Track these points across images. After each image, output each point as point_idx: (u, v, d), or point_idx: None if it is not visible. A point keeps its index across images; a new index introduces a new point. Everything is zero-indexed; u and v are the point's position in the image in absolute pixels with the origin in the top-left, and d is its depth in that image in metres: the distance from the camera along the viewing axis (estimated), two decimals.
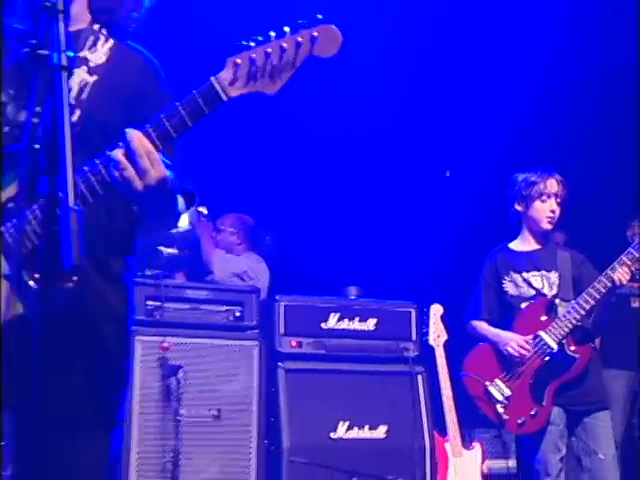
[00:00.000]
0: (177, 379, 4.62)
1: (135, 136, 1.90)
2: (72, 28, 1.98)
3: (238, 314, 5.06)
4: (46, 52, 1.73)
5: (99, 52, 2.19)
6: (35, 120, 1.75)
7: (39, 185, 1.70)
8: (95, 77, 2.12)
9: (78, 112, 2.03)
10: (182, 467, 4.56)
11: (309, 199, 7.26)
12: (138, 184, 1.90)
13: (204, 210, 5.94)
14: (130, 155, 1.90)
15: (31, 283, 1.89)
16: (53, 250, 1.69)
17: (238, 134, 6.67)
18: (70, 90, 2.02)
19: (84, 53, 2.16)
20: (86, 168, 1.93)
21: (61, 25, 1.75)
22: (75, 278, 1.84)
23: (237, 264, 6.22)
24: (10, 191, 2.00)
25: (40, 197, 1.83)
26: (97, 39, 2.21)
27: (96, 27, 2.23)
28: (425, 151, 7.48)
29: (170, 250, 5.52)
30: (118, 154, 1.90)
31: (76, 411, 2.06)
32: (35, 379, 1.65)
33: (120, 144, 1.92)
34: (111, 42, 2.23)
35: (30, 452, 1.69)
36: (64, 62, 1.71)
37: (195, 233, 5.97)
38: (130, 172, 1.89)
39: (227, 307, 5.08)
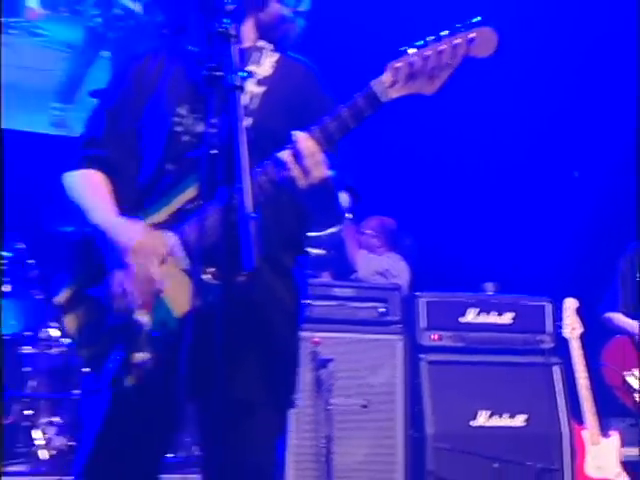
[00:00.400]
0: (328, 371, 4.72)
1: (301, 138, 1.96)
2: (242, 46, 2.05)
3: (382, 310, 5.15)
4: (221, 74, 1.81)
5: (265, 65, 2.27)
6: (212, 130, 1.83)
7: (217, 194, 1.78)
8: (263, 88, 2.20)
9: (249, 120, 2.09)
10: (334, 452, 4.65)
11: (447, 200, 7.28)
12: (303, 183, 1.95)
13: (349, 215, 6.04)
14: (296, 155, 1.95)
15: (208, 278, 1.97)
16: (229, 250, 1.76)
17: (378, 139, 6.71)
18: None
19: (252, 67, 2.23)
20: (258, 169, 1.99)
21: (234, 48, 1.82)
22: (247, 273, 1.91)
23: (379, 263, 6.32)
24: (190, 193, 2.09)
25: (218, 204, 1.91)
26: (262, 54, 2.28)
27: (261, 44, 2.30)
28: (557, 150, 7.38)
29: (317, 251, 5.64)
30: (285, 155, 1.96)
31: (254, 393, 2.13)
32: (220, 364, 1.71)
33: (288, 146, 1.97)
34: (275, 56, 2.31)
35: (216, 430, 1.75)
36: (237, 82, 1.78)
37: (340, 235, 6.07)
38: (296, 171, 1.95)
39: (372, 304, 5.19)
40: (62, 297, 2.17)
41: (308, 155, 1.95)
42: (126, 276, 2.03)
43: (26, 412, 4.90)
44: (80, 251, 2.21)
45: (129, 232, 2.06)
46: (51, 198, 5.48)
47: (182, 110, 2.19)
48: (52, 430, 5.11)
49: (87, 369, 2.15)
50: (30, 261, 5.44)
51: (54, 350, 5.42)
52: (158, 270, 2.02)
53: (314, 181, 1.96)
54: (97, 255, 2.12)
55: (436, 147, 7.14)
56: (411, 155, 7.16)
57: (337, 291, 5.19)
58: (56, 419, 5.19)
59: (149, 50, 2.37)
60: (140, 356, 2.01)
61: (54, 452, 4.96)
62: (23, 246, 5.49)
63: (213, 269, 1.95)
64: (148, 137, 2.22)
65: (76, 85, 6.14)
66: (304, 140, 1.96)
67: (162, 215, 2.12)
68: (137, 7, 6.91)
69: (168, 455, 2.28)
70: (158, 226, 2.10)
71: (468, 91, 6.09)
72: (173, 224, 2.09)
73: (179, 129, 2.18)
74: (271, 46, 2.32)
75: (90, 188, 2.22)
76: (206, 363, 1.78)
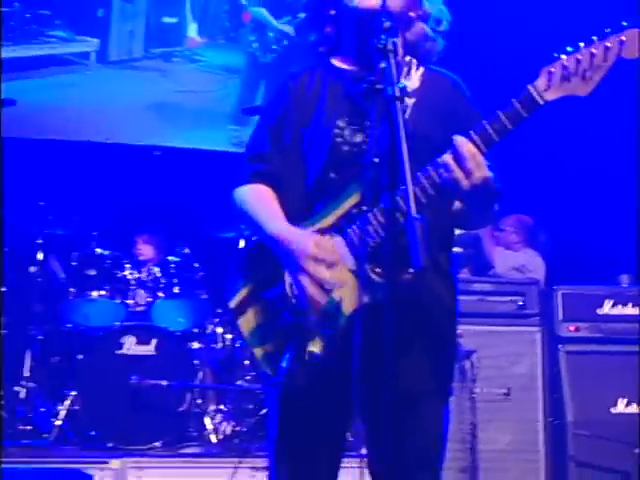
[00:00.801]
0: (471, 362, 4.70)
1: (462, 142, 1.98)
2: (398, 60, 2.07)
3: (521, 303, 5.10)
4: (381, 86, 1.84)
5: (413, 79, 2.28)
6: (369, 141, 1.86)
7: (382, 198, 1.81)
8: (413, 99, 2.21)
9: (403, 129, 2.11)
10: (479, 438, 4.62)
11: (581, 195, 7.11)
12: (465, 184, 1.97)
13: None
14: (458, 158, 1.97)
15: (374, 277, 2.01)
16: (394, 251, 1.78)
17: (513, 138, 6.63)
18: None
19: (402, 80, 2.25)
20: (419, 174, 2.02)
21: (392, 63, 1.85)
22: (412, 271, 1.93)
23: (516, 259, 6.26)
24: (354, 199, 2.12)
25: (383, 208, 1.94)
26: (410, 68, 2.30)
27: (407, 59, 2.31)
28: None
29: (456, 249, 5.61)
30: (447, 158, 1.98)
31: (421, 382, 2.15)
32: (388, 357, 1.73)
33: (448, 151, 1.99)
34: (421, 69, 2.32)
35: (386, 418, 1.77)
36: (397, 93, 1.80)
37: (477, 233, 6.05)
38: (458, 173, 1.96)
39: (510, 297, 5.13)
40: (236, 300, 2.24)
41: (469, 158, 1.96)
42: (300, 279, 2.09)
43: (198, 401, 5.05)
44: (252, 258, 2.27)
45: (302, 241, 2.11)
46: (211, 208, 5.68)
47: (341, 123, 2.23)
48: (219, 417, 5.27)
49: (263, 366, 2.19)
50: (195, 264, 5.62)
51: (219, 345, 5.60)
52: (328, 273, 2.07)
53: (477, 182, 1.97)
54: (269, 261, 2.18)
55: (570, 143, 6.99)
56: (546, 152, 7.04)
57: (477, 286, 5.17)
58: (222, 407, 5.36)
59: (305, 68, 2.41)
60: (312, 352, 2.06)
61: (222, 436, 5.11)
62: (188, 251, 5.68)
63: (379, 269, 1.99)
64: (311, 149, 2.26)
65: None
66: (465, 144, 1.97)
67: (329, 220, 2.16)
68: (289, 29, 7.07)
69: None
70: (325, 231, 2.14)
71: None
72: (339, 228, 2.13)
73: (339, 140, 2.21)
74: (416, 61, 2.34)
75: (261, 201, 2.27)
76: (375, 356, 1.81)
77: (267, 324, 2.17)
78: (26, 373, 5.39)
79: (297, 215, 2.21)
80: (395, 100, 1.79)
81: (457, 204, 2.19)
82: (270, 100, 2.43)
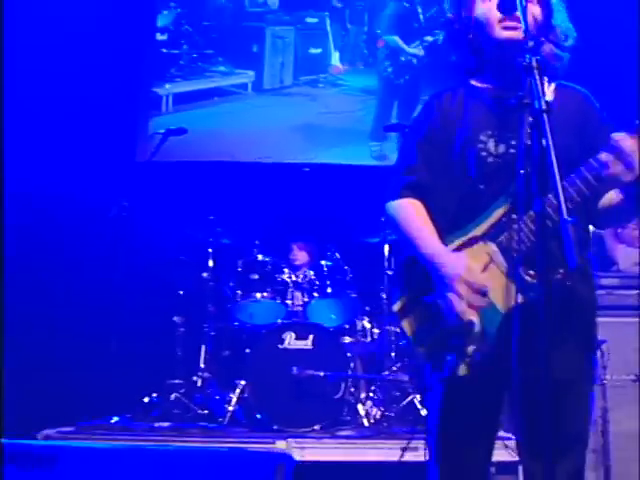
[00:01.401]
0: (601, 351, 4.54)
1: (622, 137, 1.92)
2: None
3: None
4: (528, 100, 1.79)
5: (547, 93, 2.22)
6: (518, 152, 1.82)
7: (532, 205, 1.77)
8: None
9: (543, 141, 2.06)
10: (610, 423, 4.45)
11: None
12: (628, 178, 1.90)
13: None
14: (620, 153, 1.90)
15: (527, 278, 1.96)
16: (545, 253, 1.74)
17: None
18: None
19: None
20: (572, 175, 1.96)
21: (537, 78, 1.80)
22: (562, 271, 1.88)
23: (637, 255, 6.00)
24: (504, 208, 2.09)
25: (534, 214, 1.89)
26: (543, 84, 2.24)
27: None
28: None
29: None
30: (604, 156, 1.93)
31: (571, 373, 2.10)
32: (543, 351, 1.69)
33: (601, 150, 1.94)
34: (553, 85, 2.26)
35: (541, 406, 1.73)
36: (544, 106, 1.75)
37: (599, 232, 5.83)
38: (618, 169, 1.90)
39: (636, 291, 4.93)
40: (398, 305, 2.24)
41: (631, 152, 1.89)
42: (450, 299, 2.07)
43: (351, 389, 5.06)
44: (409, 266, 2.26)
45: (456, 265, 2.08)
46: (358, 216, 5.71)
47: (483, 137, 2.19)
48: (370, 403, 5.27)
49: (427, 363, 2.19)
50: (345, 267, 5.64)
51: (367, 339, 5.61)
52: (476, 298, 2.04)
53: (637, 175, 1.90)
54: (424, 269, 2.17)
55: None
56: None
57: (604, 281, 4.99)
58: (372, 394, 5.36)
59: (448, 89, 2.38)
60: (472, 350, 2.03)
61: (373, 421, 5.11)
62: (338, 256, 5.71)
63: (532, 271, 1.96)
64: (458, 162, 2.23)
65: (385, 125, 6.37)
66: (625, 139, 1.91)
67: (481, 229, 2.13)
68: (418, 51, 7.04)
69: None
70: (479, 239, 2.12)
71: None
72: (492, 235, 2.10)
73: (484, 153, 2.18)
74: (545, 77, 2.28)
75: (414, 219, 2.23)
76: (531, 350, 1.78)
77: (428, 325, 2.15)
78: (202, 365, 5.56)
79: (448, 226, 2.19)
80: (543, 112, 1.75)
81: (608, 201, 2.11)
82: (417, 118, 2.41)
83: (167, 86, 7.07)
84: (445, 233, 2.17)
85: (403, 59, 7.09)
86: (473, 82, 2.33)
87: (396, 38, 7.13)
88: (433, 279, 2.13)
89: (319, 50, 7.20)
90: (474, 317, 2.05)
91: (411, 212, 2.25)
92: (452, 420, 2.20)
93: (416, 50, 7.06)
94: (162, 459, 1.84)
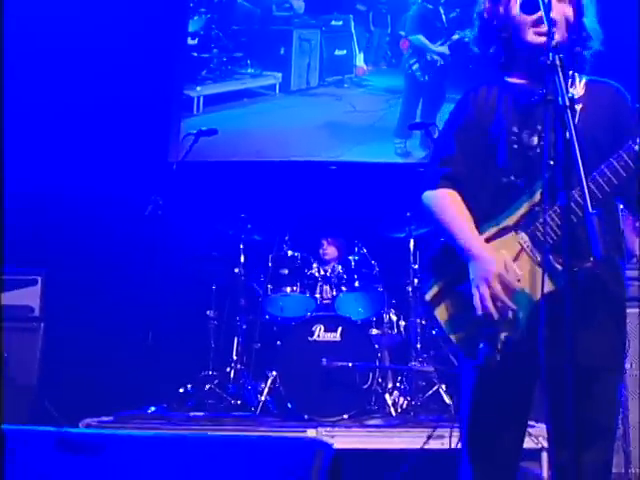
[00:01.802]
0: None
1: None
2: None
3: None
4: (552, 97, 1.80)
5: (578, 87, 2.22)
6: (544, 145, 1.82)
7: (558, 197, 1.77)
8: (580, 105, 2.15)
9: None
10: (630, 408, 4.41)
11: None
12: None
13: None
14: None
15: (558, 266, 1.96)
16: (572, 243, 1.74)
17: None
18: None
19: (569, 90, 2.19)
20: (602, 166, 1.96)
21: (561, 76, 1.80)
22: (591, 259, 1.88)
23: None
24: (535, 199, 2.09)
25: (560, 206, 1.89)
26: (574, 79, 2.24)
27: (570, 72, 2.25)
28: None
29: None
30: (637, 147, 1.92)
31: (601, 360, 2.09)
32: (569, 337, 1.69)
33: (629, 141, 1.94)
34: (584, 79, 2.26)
35: (569, 393, 1.73)
36: (567, 102, 1.75)
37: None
38: None
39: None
40: (431, 294, 2.24)
41: None
42: (482, 292, 2.07)
43: (378, 380, 5.07)
44: (442, 256, 2.26)
45: (489, 261, 2.08)
46: (383, 212, 5.71)
47: (516, 129, 2.20)
48: (396, 393, 5.28)
49: (459, 350, 2.18)
50: (372, 262, 5.65)
51: (394, 331, 5.61)
52: (508, 298, 2.04)
53: None
54: (458, 259, 2.17)
55: None
56: None
57: (629, 273, 4.95)
58: (399, 385, 5.37)
59: (484, 83, 2.38)
60: (505, 337, 2.03)
61: (400, 410, 5.12)
62: (365, 251, 5.72)
63: (562, 260, 1.95)
64: (491, 154, 2.24)
65: (409, 123, 6.36)
66: None
67: (513, 219, 2.13)
68: (444, 49, 7.02)
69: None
70: (511, 228, 2.12)
71: None
72: (524, 225, 2.10)
73: (515, 146, 2.18)
74: (575, 73, 2.28)
75: (452, 210, 2.23)
76: (558, 337, 1.78)
77: (461, 314, 2.15)
78: (234, 357, 5.61)
79: (481, 216, 2.19)
80: (566, 108, 1.75)
81: None
82: (454, 111, 2.40)
83: (198, 88, 7.13)
84: (478, 223, 2.17)
85: (428, 57, 7.08)
86: (507, 78, 2.33)
87: (420, 37, 7.12)
88: (468, 269, 2.13)
89: (344, 52, 7.21)
90: (509, 305, 2.05)
91: (448, 202, 2.25)
92: (484, 407, 2.19)
93: (441, 48, 7.04)
94: (202, 447, 1.86)
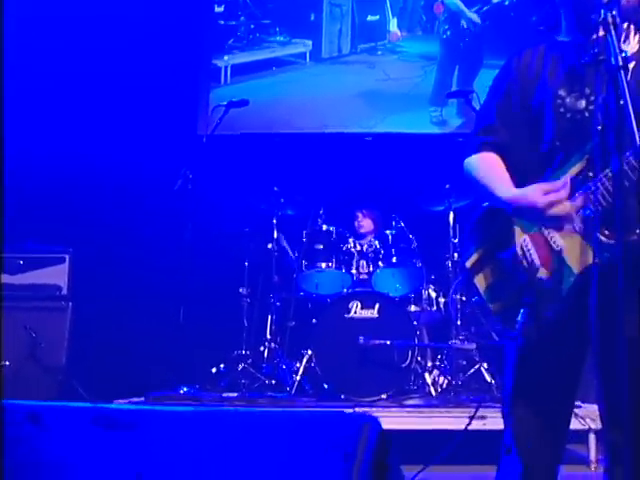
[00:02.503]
0: None
1: None
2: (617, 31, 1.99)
3: None
4: (604, 57, 1.78)
5: (631, 44, 2.19)
6: (594, 108, 1.80)
7: (609, 162, 1.76)
8: (632, 63, 2.13)
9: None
10: None
11: None
12: None
13: None
14: None
15: (603, 238, 1.96)
16: (623, 213, 1.74)
17: None
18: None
19: (622, 46, 2.17)
20: None
21: (613, 34, 1.79)
22: (638, 231, 1.87)
23: None
24: (579, 166, 2.08)
25: (611, 172, 1.88)
26: (628, 34, 2.21)
27: (625, 25, 2.22)
28: None
29: None
30: None
31: None
32: (621, 310, 1.69)
33: None
34: (639, 34, 2.23)
35: (618, 365, 1.73)
36: (620, 62, 1.74)
37: None
38: None
39: None
40: (471, 261, 2.25)
41: None
42: (529, 241, 2.07)
43: (417, 358, 5.09)
44: (484, 222, 2.27)
45: (532, 197, 2.09)
46: (422, 185, 5.70)
47: (562, 92, 2.18)
48: (436, 372, 5.30)
49: (500, 320, 2.19)
50: (410, 236, 5.65)
51: (433, 307, 5.62)
52: (560, 207, 2.03)
53: None
54: (500, 225, 2.17)
55: None
56: None
57: None
58: (439, 363, 5.39)
59: (529, 45, 2.37)
60: (545, 307, 2.03)
61: (440, 390, 5.14)
62: (403, 225, 5.72)
63: (608, 231, 1.94)
64: (536, 120, 2.23)
65: (445, 90, 6.32)
66: None
67: None
68: (476, 18, 6.95)
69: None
70: None
71: None
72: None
73: (562, 109, 2.16)
74: (633, 27, 2.24)
75: (491, 169, 2.25)
76: (607, 311, 1.78)
77: (502, 282, 2.16)
78: (268, 335, 5.67)
79: (524, 184, 2.19)
80: (619, 69, 1.74)
81: None
82: (497, 77, 2.39)
83: (225, 57, 7.15)
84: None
85: (464, 23, 7.01)
86: (557, 37, 2.31)
87: (456, 1, 7.05)
88: (510, 235, 2.13)
89: (377, 17, 7.17)
90: (546, 274, 2.05)
91: (488, 163, 2.25)
92: (527, 384, 2.19)
93: (474, 16, 6.96)
94: (241, 422, 1.90)
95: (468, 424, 3.95)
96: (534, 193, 2.08)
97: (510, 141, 2.26)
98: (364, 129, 6.89)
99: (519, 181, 2.20)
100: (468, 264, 2.24)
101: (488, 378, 5.08)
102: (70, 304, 5.39)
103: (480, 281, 2.21)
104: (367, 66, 7.10)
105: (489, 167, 2.25)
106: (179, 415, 1.98)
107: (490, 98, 2.37)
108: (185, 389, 5.11)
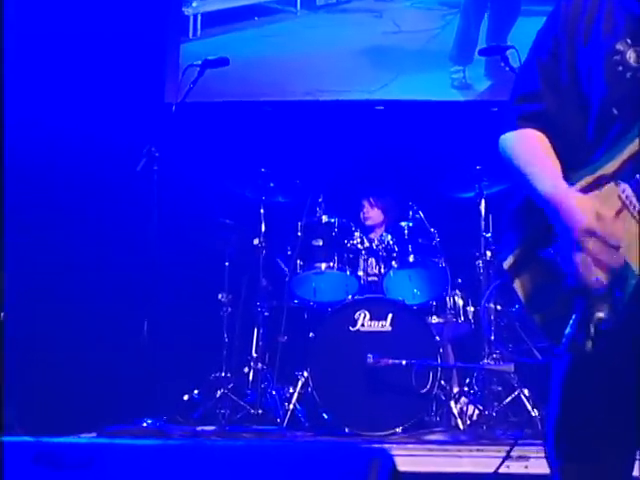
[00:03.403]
0: None
1: None
2: None
3: None
4: None
5: None
6: None
7: None
8: None
9: None
10: None
11: None
12: None
13: None
14: None
15: None
16: None
17: None
18: None
19: None
20: None
21: None
22: None
23: None
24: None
25: None
26: None
27: None
28: None
29: None
30: None
31: None
32: None
33: None
34: None
35: None
36: None
37: None
38: None
39: None
40: (510, 261, 2.24)
41: None
42: (573, 256, 2.06)
43: (440, 382, 5.10)
44: (525, 213, 2.26)
45: (581, 210, 2.08)
46: (447, 165, 5.69)
47: (621, 46, 2.18)
48: (464, 400, 5.31)
49: (544, 334, 2.18)
50: (431, 229, 5.63)
51: (460, 319, 5.62)
52: (607, 256, 2.03)
53: None
54: (544, 216, 2.16)
55: None
56: None
57: None
58: (467, 389, 5.40)
59: None
60: (600, 317, 2.03)
61: (469, 422, 5.15)
62: (422, 215, 5.70)
63: None
64: (589, 82, 2.22)
65: (471, 45, 6.31)
66: None
67: (613, 166, 2.11)
68: None
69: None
70: (609, 178, 2.11)
71: None
72: (626, 174, 2.09)
73: (620, 68, 2.16)
74: None
75: (532, 153, 2.24)
76: None
77: (547, 286, 2.15)
78: (254, 353, 5.69)
79: (574, 162, 2.18)
80: None
81: None
82: (541, 30, 2.38)
83: (194, 4, 7.11)
84: (567, 171, 2.17)
85: None
86: None
87: None
88: (553, 226, 2.12)
89: None
90: (603, 278, 2.05)
91: (529, 145, 2.25)
92: (576, 407, 2.20)
93: None
94: (226, 456, 1.90)
95: (500, 465, 3.96)
96: (585, 208, 2.07)
97: (557, 109, 2.25)
98: (369, 95, 6.88)
99: (565, 158, 2.19)
100: (506, 265, 2.24)
101: (529, 408, 5.09)
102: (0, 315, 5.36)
103: (520, 286, 2.20)
104: (373, 15, 7.12)
105: (530, 149, 2.24)
106: (142, 450, 1.98)
107: (531, 57, 2.35)
108: (149, 421, 5.11)
